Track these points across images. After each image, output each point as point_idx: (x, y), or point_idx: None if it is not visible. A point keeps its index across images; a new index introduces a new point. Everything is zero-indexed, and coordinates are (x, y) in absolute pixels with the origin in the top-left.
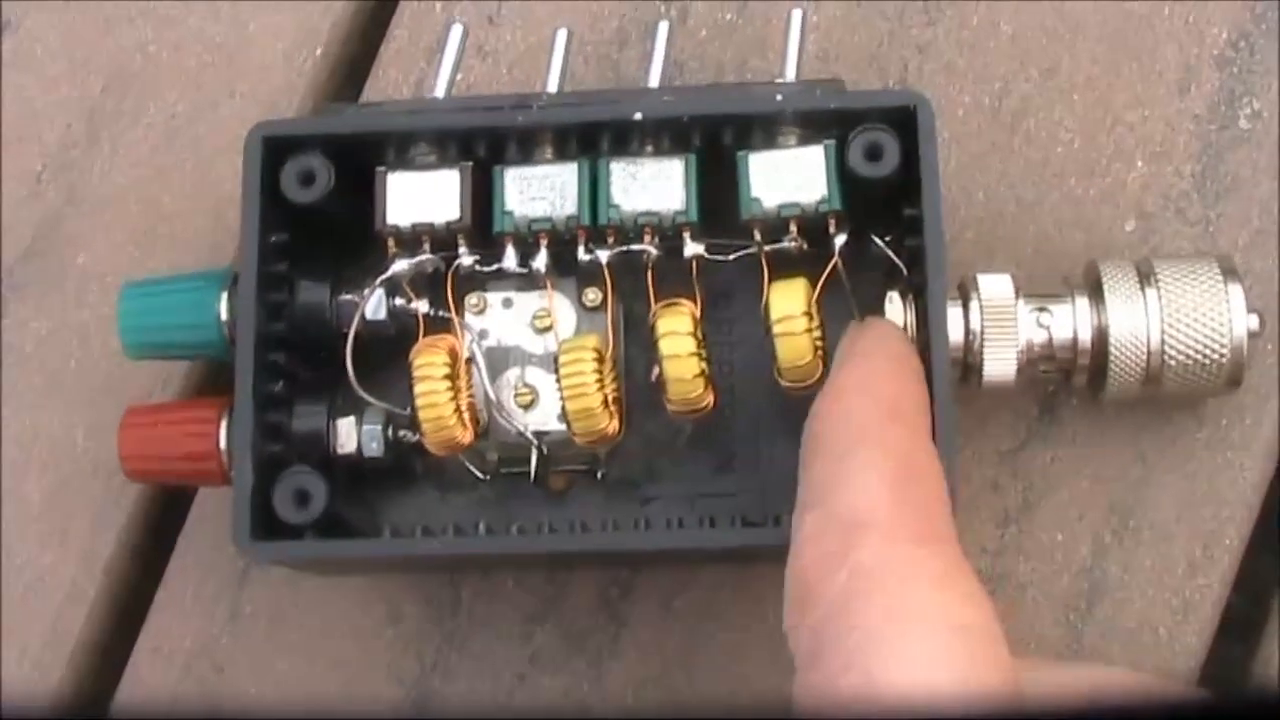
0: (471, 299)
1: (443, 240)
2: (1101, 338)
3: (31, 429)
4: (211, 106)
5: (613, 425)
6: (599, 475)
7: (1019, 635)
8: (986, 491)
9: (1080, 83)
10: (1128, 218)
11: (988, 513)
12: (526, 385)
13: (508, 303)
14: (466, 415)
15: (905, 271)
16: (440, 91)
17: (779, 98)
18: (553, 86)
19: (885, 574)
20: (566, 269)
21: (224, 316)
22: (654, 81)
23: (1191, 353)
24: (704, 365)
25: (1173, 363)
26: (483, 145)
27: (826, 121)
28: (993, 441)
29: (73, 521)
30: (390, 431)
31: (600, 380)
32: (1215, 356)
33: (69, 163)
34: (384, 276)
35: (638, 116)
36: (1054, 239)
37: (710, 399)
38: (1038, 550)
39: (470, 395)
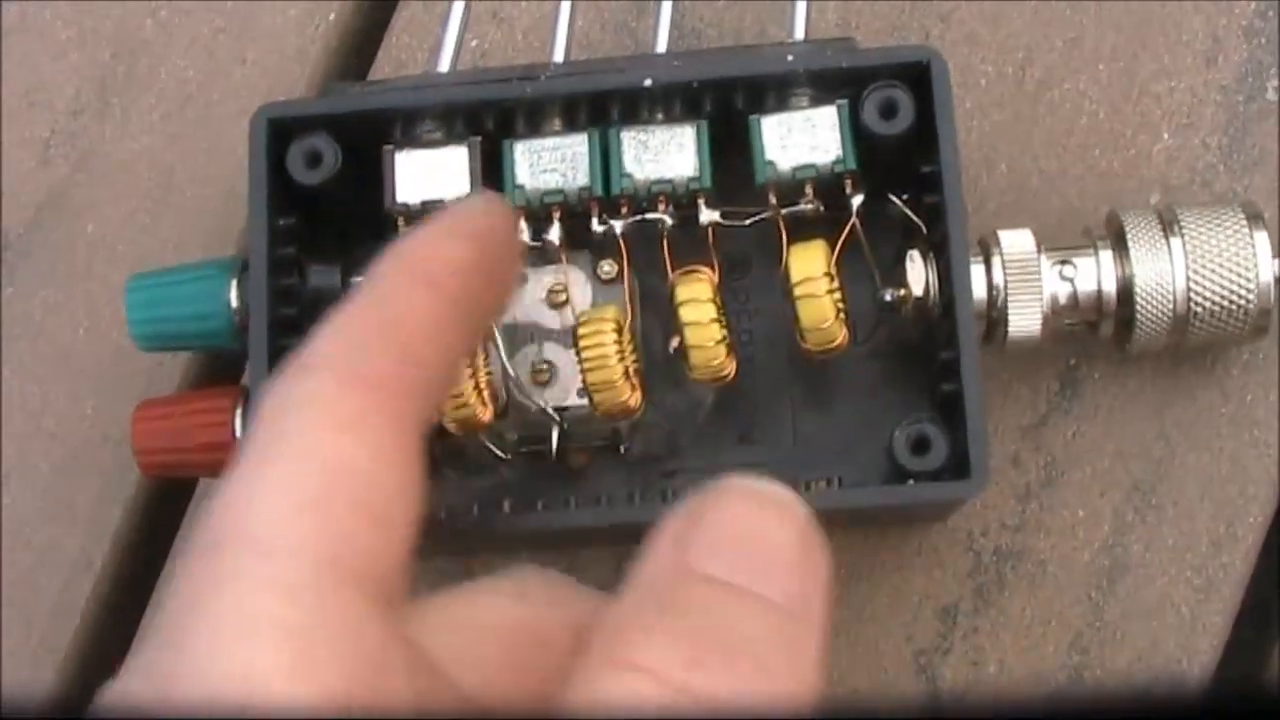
0: None
1: None
2: (1127, 288)
3: (40, 398)
4: (223, 74)
5: (634, 398)
6: (622, 450)
7: (1039, 612)
8: (1007, 466)
9: (1105, 53)
10: (1153, 190)
11: (1008, 488)
12: (544, 361)
13: (522, 278)
14: (486, 393)
15: (924, 229)
16: (444, 67)
17: (790, 58)
18: (558, 57)
19: None
20: (580, 242)
21: (234, 305)
22: (662, 47)
23: (1218, 299)
24: (725, 332)
25: (1199, 310)
26: (490, 119)
27: (839, 80)
28: (1014, 416)
29: (81, 492)
30: None
31: (621, 351)
32: (1242, 303)
33: (79, 130)
34: None
35: (648, 83)
36: (1078, 211)
37: (732, 367)
38: (1059, 526)
39: (488, 373)
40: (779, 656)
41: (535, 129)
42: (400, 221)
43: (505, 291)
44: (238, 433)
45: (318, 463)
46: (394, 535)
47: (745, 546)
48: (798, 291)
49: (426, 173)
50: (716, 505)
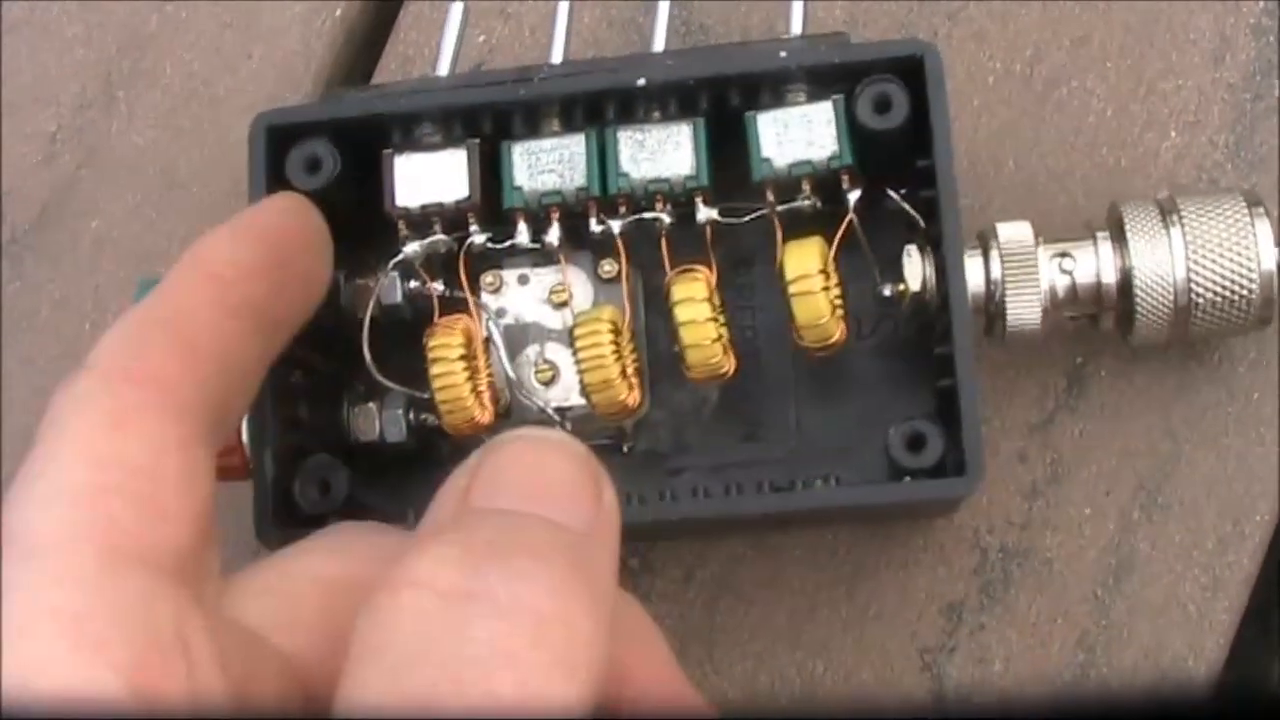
0: (487, 278)
1: (453, 220)
2: (1126, 279)
3: (44, 394)
4: (229, 69)
5: (633, 397)
6: (625, 449)
7: (1045, 610)
8: (1014, 464)
9: (1113, 51)
10: (1160, 188)
11: (1014, 486)
12: (546, 361)
13: (523, 279)
14: (486, 395)
15: (922, 224)
16: (443, 70)
17: (783, 55)
18: (557, 57)
19: None
20: (581, 242)
21: None
22: (659, 46)
23: (1219, 289)
24: (722, 331)
25: (1200, 300)
26: (488, 121)
27: (833, 76)
28: (1020, 413)
29: None
30: (411, 416)
31: (617, 351)
32: (1244, 292)
33: (84, 125)
34: (396, 260)
35: (641, 83)
36: (1085, 209)
37: (730, 365)
38: (1065, 524)
39: (489, 374)
40: (559, 561)
41: (533, 130)
42: (401, 225)
43: (308, 294)
44: (245, 437)
45: (88, 459)
46: (179, 519)
47: (522, 479)
48: (792, 289)
49: (425, 176)
50: (494, 452)
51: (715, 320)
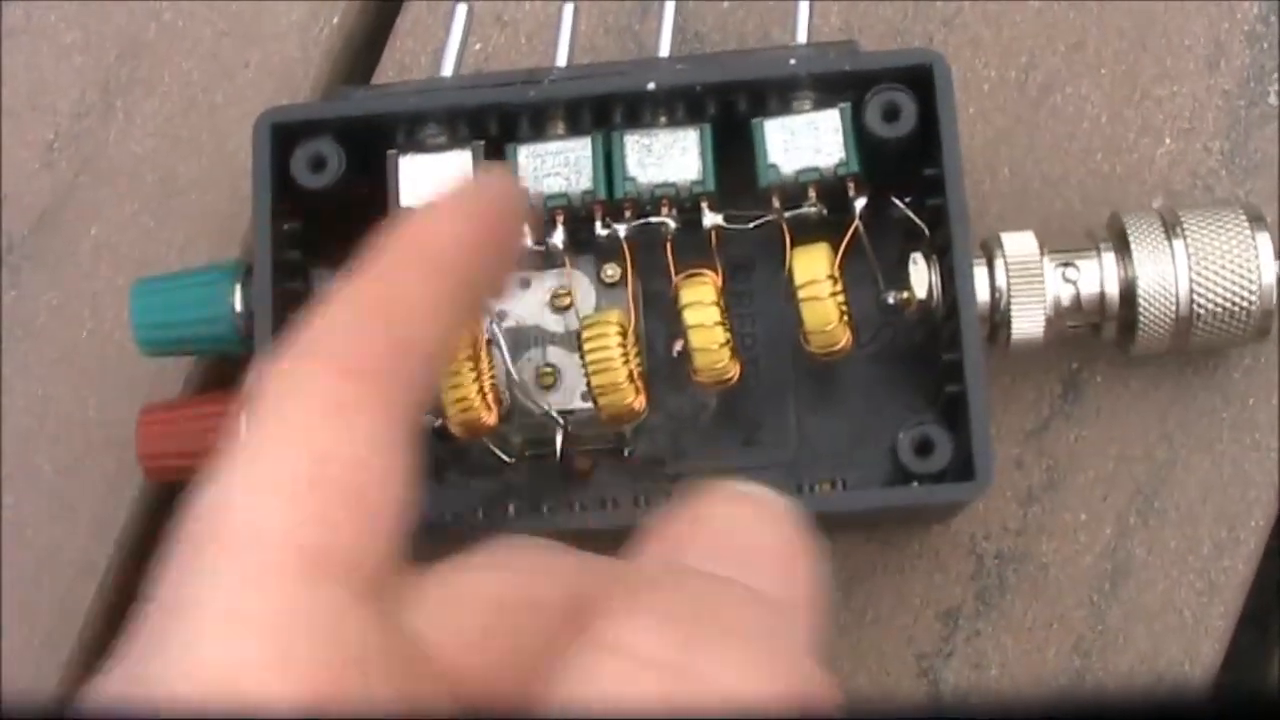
0: None
1: None
2: (1129, 290)
3: (43, 400)
4: (227, 76)
5: (638, 400)
6: (626, 454)
7: (1041, 615)
8: (1010, 469)
9: (1108, 57)
10: (1155, 194)
11: (1011, 491)
12: (548, 365)
13: (525, 282)
14: (490, 397)
15: (927, 233)
16: (448, 71)
17: (792, 62)
18: (562, 60)
19: None
20: (584, 246)
21: (239, 309)
22: (665, 51)
23: (1221, 301)
24: (729, 335)
25: (1202, 312)
26: (494, 123)
27: (842, 84)
28: (1016, 419)
29: (84, 493)
30: None
31: (625, 354)
32: (1244, 304)
33: (82, 132)
34: None
35: (651, 87)
36: (1080, 215)
37: (736, 370)
38: (1061, 530)
39: (492, 377)
40: (765, 645)
41: (539, 133)
42: None
43: (508, 269)
44: None
45: (305, 452)
46: (382, 522)
47: (736, 545)
48: (801, 294)
49: (430, 177)
50: (707, 507)
51: (723, 324)
